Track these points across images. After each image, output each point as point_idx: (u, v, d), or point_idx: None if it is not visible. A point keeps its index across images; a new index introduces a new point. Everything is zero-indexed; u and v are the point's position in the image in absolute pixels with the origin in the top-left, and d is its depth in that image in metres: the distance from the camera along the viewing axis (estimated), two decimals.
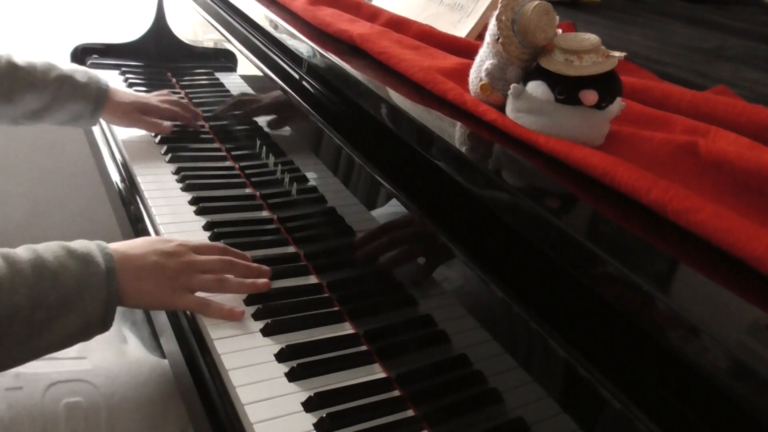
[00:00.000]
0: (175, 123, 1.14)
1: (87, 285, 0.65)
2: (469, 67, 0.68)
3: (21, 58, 1.03)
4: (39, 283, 0.62)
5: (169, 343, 0.76)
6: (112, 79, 1.36)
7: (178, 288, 0.72)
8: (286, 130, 0.95)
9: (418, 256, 0.67)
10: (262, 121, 1.03)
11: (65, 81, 1.04)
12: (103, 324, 0.67)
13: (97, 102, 1.06)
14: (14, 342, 0.61)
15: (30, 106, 1.02)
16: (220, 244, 0.81)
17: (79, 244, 0.68)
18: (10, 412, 0.72)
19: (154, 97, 1.16)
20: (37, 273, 0.62)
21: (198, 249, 0.76)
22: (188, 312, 0.75)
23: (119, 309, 0.96)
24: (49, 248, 0.66)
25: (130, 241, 0.75)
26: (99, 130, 1.19)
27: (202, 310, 0.73)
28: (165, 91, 1.20)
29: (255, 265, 0.79)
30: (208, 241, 0.85)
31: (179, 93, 1.34)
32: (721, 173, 0.53)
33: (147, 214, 0.94)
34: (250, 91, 1.08)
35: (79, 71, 1.07)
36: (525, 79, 0.61)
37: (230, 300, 0.76)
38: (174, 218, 0.92)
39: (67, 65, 1.08)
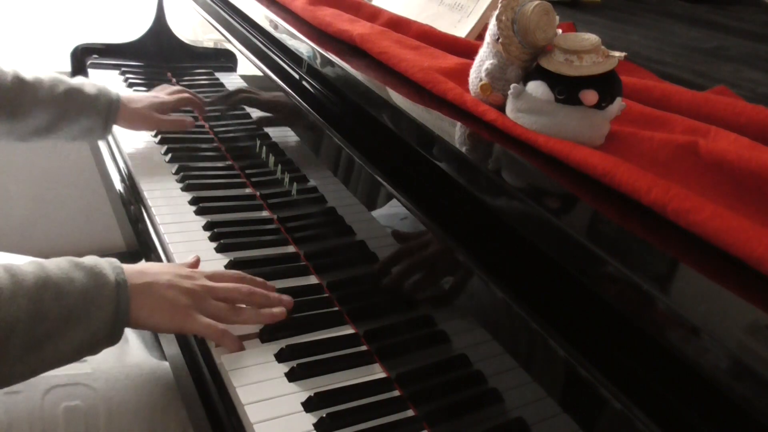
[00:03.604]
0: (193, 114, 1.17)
1: (94, 297, 0.63)
2: (469, 67, 0.68)
3: (28, 73, 1.00)
4: (41, 295, 0.60)
5: (170, 344, 0.76)
6: (113, 80, 1.37)
7: (192, 310, 0.68)
8: (286, 130, 0.95)
9: (417, 256, 0.67)
10: (262, 121, 1.03)
11: (73, 95, 1.01)
12: (111, 338, 0.64)
13: (108, 113, 1.04)
14: (15, 355, 0.59)
15: (38, 122, 1.00)
16: (237, 272, 0.76)
17: (89, 259, 0.66)
18: (9, 416, 0.72)
19: (163, 93, 1.14)
20: (40, 284, 0.60)
21: (213, 276, 0.74)
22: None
23: None
24: (54, 261, 0.64)
25: (142, 263, 0.73)
26: None
27: (216, 338, 0.69)
28: (165, 85, 1.20)
29: (275, 294, 0.75)
30: (224, 270, 0.80)
31: None
32: (721, 173, 0.53)
33: (147, 214, 0.95)
34: (249, 88, 1.08)
35: (88, 84, 1.05)
36: (525, 79, 0.61)
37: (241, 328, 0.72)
38: (174, 218, 0.92)
39: (76, 79, 1.06)
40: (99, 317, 0.63)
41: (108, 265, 0.66)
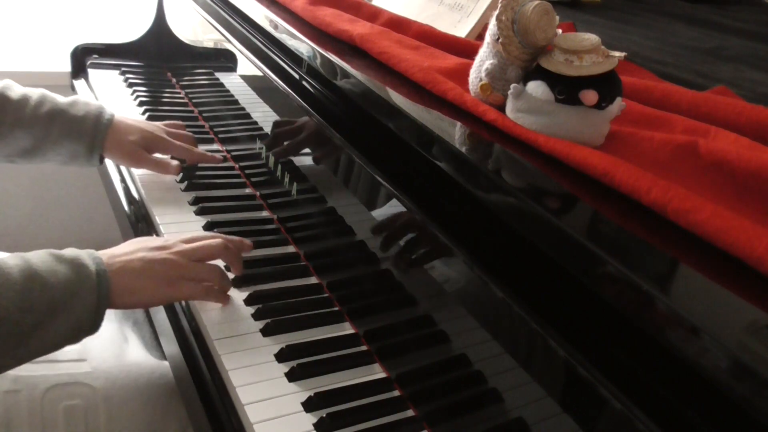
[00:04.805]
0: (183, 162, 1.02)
1: (77, 289, 0.64)
2: (469, 67, 0.68)
3: (18, 90, 0.94)
4: (28, 287, 0.61)
5: (170, 343, 0.76)
6: (113, 80, 1.37)
7: (174, 278, 0.70)
8: (289, 134, 0.95)
9: (417, 256, 0.67)
10: (268, 128, 1.03)
11: (57, 116, 0.94)
12: (91, 327, 0.66)
13: (93, 139, 0.95)
14: (3, 346, 0.60)
15: (22, 144, 0.93)
16: (207, 233, 0.80)
17: (69, 251, 0.67)
18: (9, 415, 0.72)
19: (163, 128, 1.02)
20: (26, 277, 0.62)
21: (189, 240, 0.76)
22: (186, 307, 0.76)
23: (121, 310, 0.97)
24: (37, 255, 0.65)
25: (115, 247, 0.73)
26: None
27: (202, 296, 0.73)
28: (178, 123, 1.08)
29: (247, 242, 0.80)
30: (200, 232, 0.83)
31: (179, 93, 1.34)
32: (721, 173, 0.53)
33: (147, 214, 0.94)
34: (251, 93, 1.08)
35: (80, 103, 0.96)
36: (525, 79, 0.61)
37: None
38: (174, 218, 0.92)
39: (69, 98, 0.97)
40: (82, 307, 0.64)
41: (87, 256, 0.67)
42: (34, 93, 0.95)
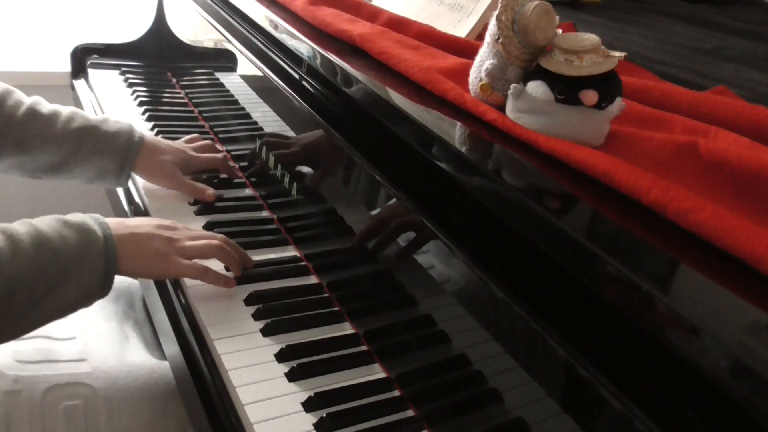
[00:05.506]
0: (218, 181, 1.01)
1: (86, 253, 0.66)
2: (469, 67, 0.68)
3: (48, 106, 0.94)
4: (39, 253, 0.63)
5: (170, 343, 0.76)
6: (113, 80, 1.37)
7: (173, 255, 0.73)
8: (285, 129, 0.95)
9: (417, 256, 0.67)
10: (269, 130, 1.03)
11: (88, 132, 0.93)
12: (102, 290, 0.69)
13: (125, 155, 0.94)
14: (18, 311, 0.62)
15: (49, 159, 0.92)
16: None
17: (74, 216, 0.70)
18: (9, 416, 0.72)
19: (188, 145, 1.02)
20: (36, 243, 0.64)
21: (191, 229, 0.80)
22: (187, 307, 0.76)
23: (121, 308, 0.97)
24: (44, 221, 0.67)
25: (126, 218, 0.78)
26: None
27: (200, 276, 0.75)
28: (195, 136, 1.07)
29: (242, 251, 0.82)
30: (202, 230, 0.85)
31: (179, 93, 1.34)
32: (721, 173, 0.53)
33: (147, 214, 0.94)
34: (251, 93, 1.08)
35: (111, 121, 0.95)
36: (525, 79, 0.61)
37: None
38: (174, 218, 0.91)
39: (99, 115, 0.97)
40: (91, 271, 0.67)
41: (93, 220, 0.70)
42: (65, 109, 0.95)
